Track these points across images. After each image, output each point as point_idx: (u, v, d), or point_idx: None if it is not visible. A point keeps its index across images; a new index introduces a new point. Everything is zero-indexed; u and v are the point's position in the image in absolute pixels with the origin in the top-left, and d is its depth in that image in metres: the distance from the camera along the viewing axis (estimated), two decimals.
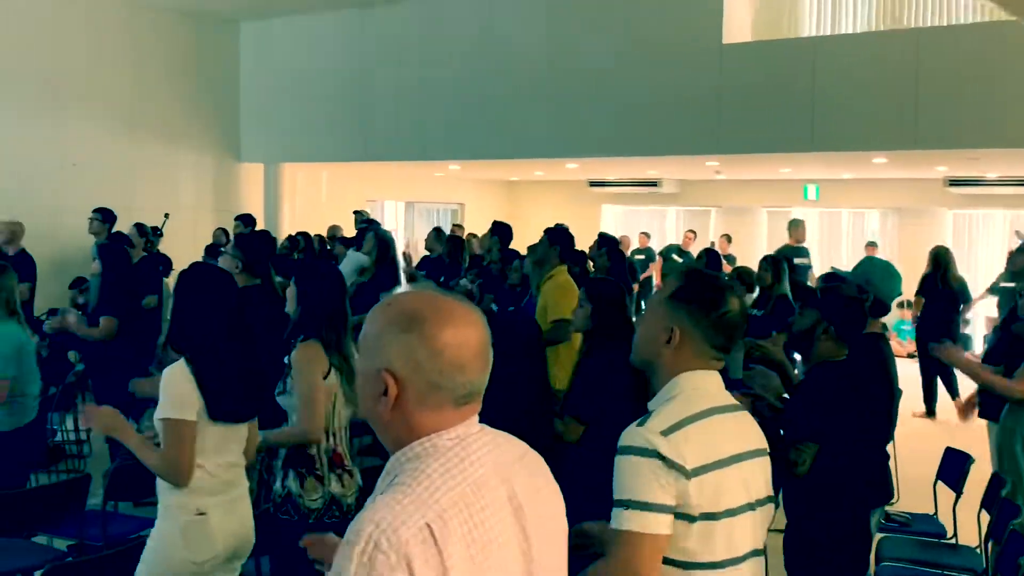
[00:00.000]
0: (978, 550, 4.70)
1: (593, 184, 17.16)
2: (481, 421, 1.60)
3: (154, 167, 12.53)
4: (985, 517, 4.67)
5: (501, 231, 8.36)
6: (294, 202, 14.03)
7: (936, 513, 5.23)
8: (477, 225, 14.37)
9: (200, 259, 9.66)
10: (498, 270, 8.09)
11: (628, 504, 2.01)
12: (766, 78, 9.79)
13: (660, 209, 17.84)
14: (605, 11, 10.71)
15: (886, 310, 4.29)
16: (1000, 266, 11.14)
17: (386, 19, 12.32)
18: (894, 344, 5.66)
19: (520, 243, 8.14)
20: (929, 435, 8.57)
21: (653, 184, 16.32)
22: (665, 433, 2.04)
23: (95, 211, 8.49)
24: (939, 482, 5.24)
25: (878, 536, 4.72)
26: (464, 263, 9.33)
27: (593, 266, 8.68)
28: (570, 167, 14.15)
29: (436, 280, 8.57)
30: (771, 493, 2.25)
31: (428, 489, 1.45)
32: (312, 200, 14.41)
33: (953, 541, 4.95)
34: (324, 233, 11.67)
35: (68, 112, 11.52)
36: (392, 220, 16.95)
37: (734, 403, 2.24)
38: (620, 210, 18.16)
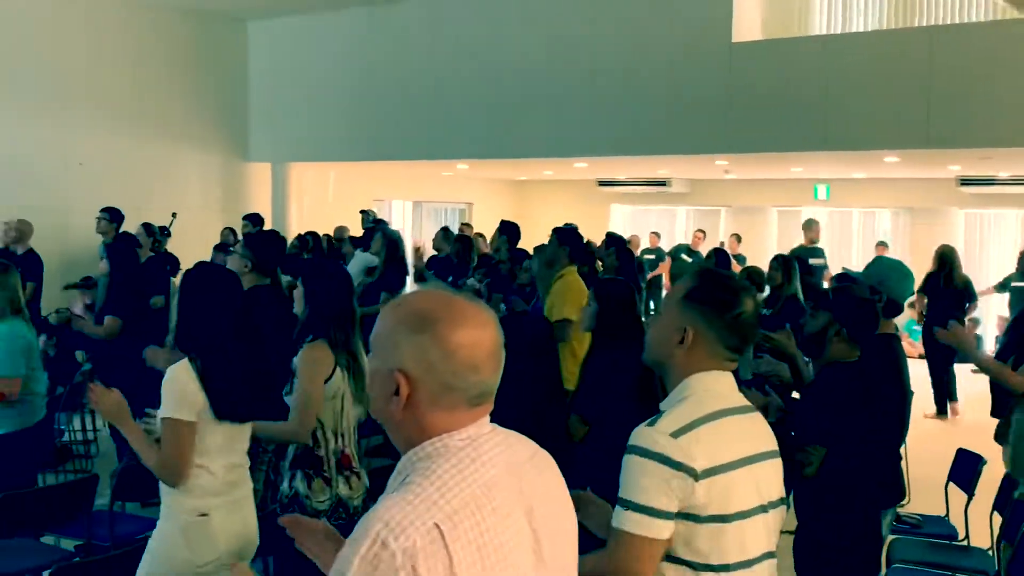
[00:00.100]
0: (990, 552, 4.67)
1: (602, 184, 17.13)
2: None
3: (161, 167, 12.54)
4: (997, 519, 4.63)
5: (509, 230, 8.34)
6: (302, 202, 14.03)
7: (948, 515, 5.20)
8: (485, 225, 14.34)
9: (208, 259, 9.66)
10: (507, 270, 8.07)
11: (630, 505, 2.01)
12: (776, 77, 9.74)
13: (669, 209, 17.80)
14: (614, 10, 10.67)
15: (899, 310, 4.26)
16: (1012, 265, 11.09)
17: (394, 18, 12.31)
18: (906, 345, 5.62)
19: (529, 243, 8.11)
20: (940, 436, 8.52)
21: (662, 184, 16.26)
22: (675, 434, 2.02)
23: (103, 211, 8.50)
24: (951, 483, 5.21)
25: (889, 538, 4.69)
26: (473, 262, 9.30)
27: (602, 266, 8.65)
28: (579, 166, 14.11)
29: (444, 280, 8.55)
30: (783, 495, 2.23)
31: (439, 490, 1.44)
32: (320, 200, 14.41)
33: (965, 543, 4.92)
34: (331, 233, 11.64)
35: (75, 112, 11.53)
36: (400, 220, 16.93)
37: (746, 404, 2.22)
38: (629, 210, 18.12)
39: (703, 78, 10.08)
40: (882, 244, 13.97)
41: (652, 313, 12.65)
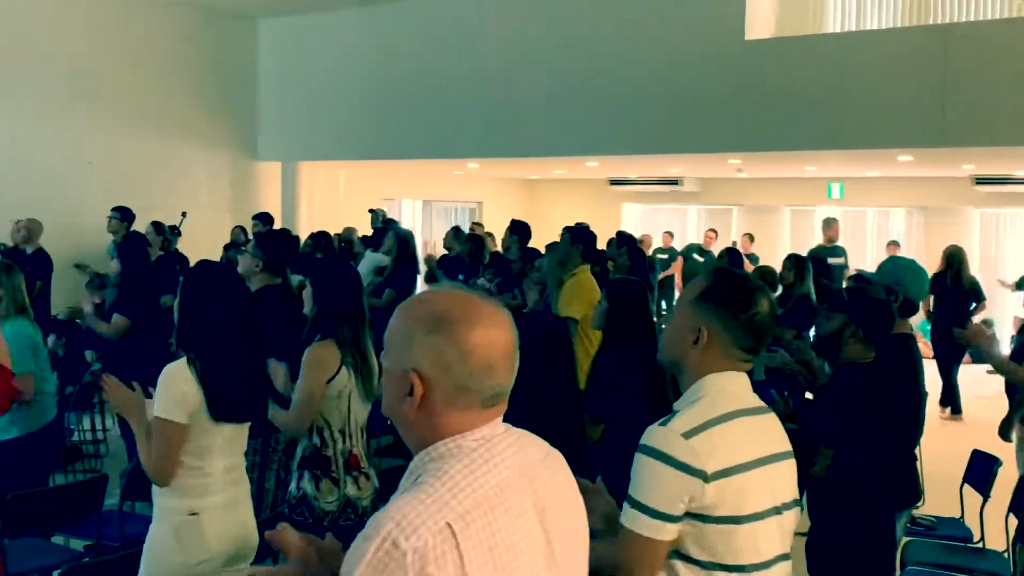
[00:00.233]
0: (1005, 555, 4.62)
1: (613, 182, 17.08)
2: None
3: (171, 166, 12.54)
4: (1013, 521, 4.59)
5: (520, 230, 8.32)
6: (311, 201, 14.01)
7: (963, 517, 5.15)
8: (496, 224, 14.32)
9: (218, 258, 9.67)
10: (518, 269, 8.05)
11: (638, 505, 2.01)
12: (789, 75, 9.69)
13: (681, 208, 17.73)
14: (626, 7, 10.63)
15: (915, 310, 4.24)
16: None
17: (406, 16, 12.29)
18: (921, 345, 5.57)
19: (539, 242, 8.09)
20: (955, 437, 8.45)
21: (674, 183, 16.21)
22: (688, 435, 2.01)
23: (113, 210, 8.50)
24: (966, 485, 5.16)
25: (904, 539, 4.66)
26: (484, 261, 9.28)
27: (614, 265, 8.62)
28: (590, 165, 14.08)
29: (455, 279, 8.53)
30: (797, 496, 2.21)
31: (451, 490, 1.43)
32: (329, 199, 14.39)
33: (980, 545, 4.89)
34: (340, 233, 11.61)
35: (84, 111, 11.53)
36: (410, 219, 16.92)
37: (761, 405, 2.20)
38: (640, 209, 18.07)
39: (716, 76, 10.03)
40: (894, 243, 13.87)
41: (664, 313, 12.61)
